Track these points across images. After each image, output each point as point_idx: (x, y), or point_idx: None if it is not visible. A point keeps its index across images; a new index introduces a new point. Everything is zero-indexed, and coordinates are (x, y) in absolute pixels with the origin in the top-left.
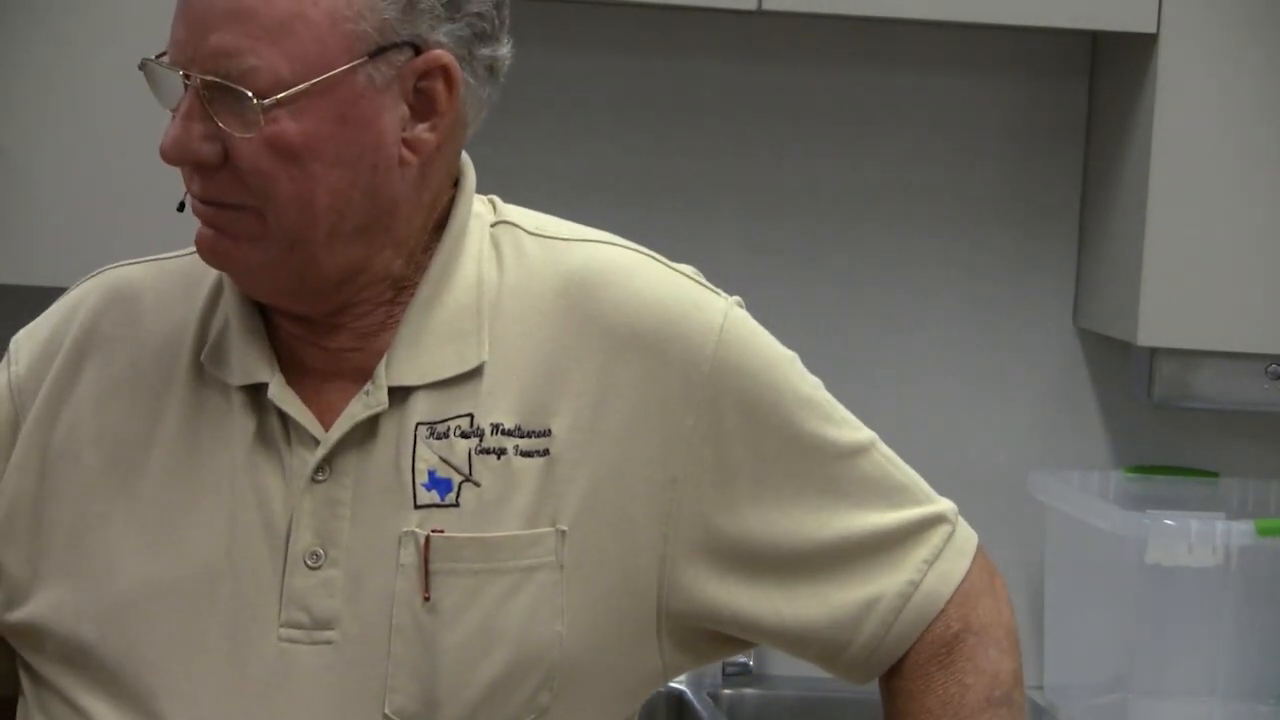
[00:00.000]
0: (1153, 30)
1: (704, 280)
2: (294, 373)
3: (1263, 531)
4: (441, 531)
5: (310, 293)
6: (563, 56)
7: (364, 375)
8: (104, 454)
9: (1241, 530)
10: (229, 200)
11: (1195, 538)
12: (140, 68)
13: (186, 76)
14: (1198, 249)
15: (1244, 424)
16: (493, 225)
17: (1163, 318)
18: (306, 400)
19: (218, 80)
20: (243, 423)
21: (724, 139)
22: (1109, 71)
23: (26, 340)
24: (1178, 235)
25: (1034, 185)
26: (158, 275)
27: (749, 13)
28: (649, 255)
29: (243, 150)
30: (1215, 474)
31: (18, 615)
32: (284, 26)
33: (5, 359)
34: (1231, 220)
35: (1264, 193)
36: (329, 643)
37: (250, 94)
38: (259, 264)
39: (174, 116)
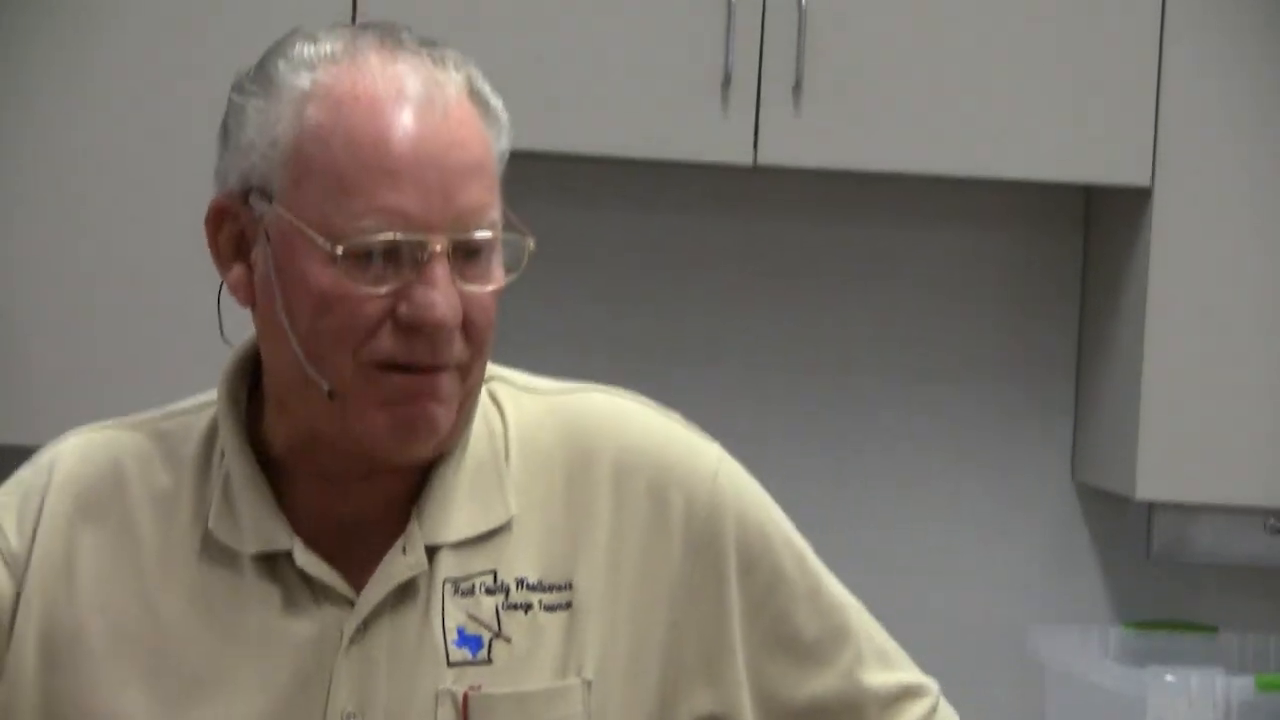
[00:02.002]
0: (1147, 184)
1: (691, 426)
2: (305, 533)
3: (1262, 686)
4: (479, 688)
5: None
6: (555, 211)
7: (381, 531)
8: (110, 625)
9: (1241, 685)
10: (461, 359)
11: (1195, 694)
12: (357, 251)
13: (430, 240)
14: (1195, 403)
15: (1243, 578)
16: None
17: (1161, 471)
18: (326, 559)
19: (488, 237)
20: (261, 588)
21: (719, 293)
22: (1103, 225)
23: (3, 511)
24: (1175, 389)
25: (1030, 338)
26: (133, 440)
27: (744, 168)
28: (640, 401)
29: (481, 303)
30: (1214, 628)
31: None
32: (495, 175)
33: None
34: (1228, 374)
35: (1261, 345)
36: None
37: (528, 241)
38: (448, 425)
39: (403, 284)
